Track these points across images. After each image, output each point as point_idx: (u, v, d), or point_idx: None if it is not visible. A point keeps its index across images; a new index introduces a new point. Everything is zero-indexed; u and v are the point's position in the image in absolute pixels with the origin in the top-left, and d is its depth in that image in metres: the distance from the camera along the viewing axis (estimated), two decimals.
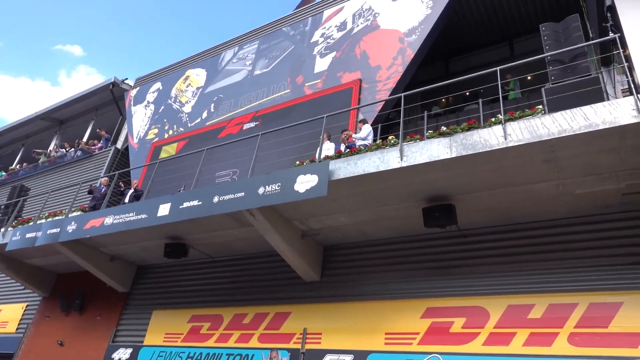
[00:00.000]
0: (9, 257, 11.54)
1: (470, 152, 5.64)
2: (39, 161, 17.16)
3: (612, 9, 6.30)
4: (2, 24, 78.02)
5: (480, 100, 7.31)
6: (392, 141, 6.52)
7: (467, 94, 9.68)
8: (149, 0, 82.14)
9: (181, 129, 13.64)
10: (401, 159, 6.09)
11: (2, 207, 12.73)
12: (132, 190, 11.02)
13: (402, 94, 7.04)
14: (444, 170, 6.01)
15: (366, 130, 7.95)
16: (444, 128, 6.11)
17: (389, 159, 6.21)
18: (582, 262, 6.17)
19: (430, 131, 6.33)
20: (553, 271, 6.29)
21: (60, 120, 19.22)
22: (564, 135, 5.11)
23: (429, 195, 6.61)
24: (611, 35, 5.88)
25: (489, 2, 11.49)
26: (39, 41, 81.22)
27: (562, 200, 6.27)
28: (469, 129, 5.90)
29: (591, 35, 8.49)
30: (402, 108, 6.80)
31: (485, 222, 7.05)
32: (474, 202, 6.59)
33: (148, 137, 14.34)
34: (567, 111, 5.18)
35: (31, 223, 11.04)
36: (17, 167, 18.40)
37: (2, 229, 11.39)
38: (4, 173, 17.99)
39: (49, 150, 17.66)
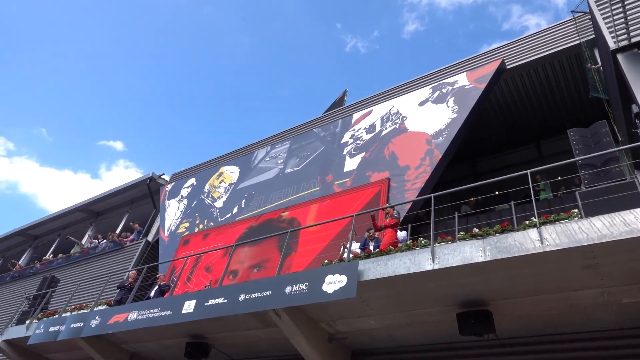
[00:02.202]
0: (29, 351, 11.32)
1: (505, 256, 5.44)
2: (72, 251, 17.53)
3: None
4: (54, 122, 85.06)
5: (512, 203, 7.22)
6: (423, 242, 6.39)
7: (497, 194, 9.64)
8: (188, 100, 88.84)
9: (211, 224, 13.87)
10: (433, 261, 5.90)
11: (31, 298, 12.78)
12: (157, 286, 10.93)
13: (432, 195, 7.04)
14: (478, 274, 5.78)
15: (402, 234, 7.89)
16: (476, 230, 5.98)
17: (420, 261, 6.03)
18: None
19: (462, 233, 6.20)
20: None
21: (97, 212, 19.92)
22: (604, 240, 4.91)
23: (463, 300, 6.29)
24: None
25: (513, 108, 11.91)
26: (85, 137, 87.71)
27: (608, 309, 5.85)
28: (502, 232, 5.75)
29: (620, 140, 8.52)
30: (432, 208, 6.75)
31: (525, 332, 6.59)
32: (512, 309, 6.22)
33: (179, 231, 14.59)
34: (606, 216, 5.03)
35: (56, 316, 10.96)
36: (51, 257, 18.79)
37: (27, 322, 11.32)
38: (38, 264, 18.35)
39: (81, 241, 18.09)
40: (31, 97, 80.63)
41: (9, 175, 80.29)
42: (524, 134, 12.48)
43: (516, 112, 12.00)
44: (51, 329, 10.17)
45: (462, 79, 11.23)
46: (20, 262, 20.84)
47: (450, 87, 11.32)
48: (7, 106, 78.25)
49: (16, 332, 11.39)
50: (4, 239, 22.79)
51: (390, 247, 6.67)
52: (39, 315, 11.44)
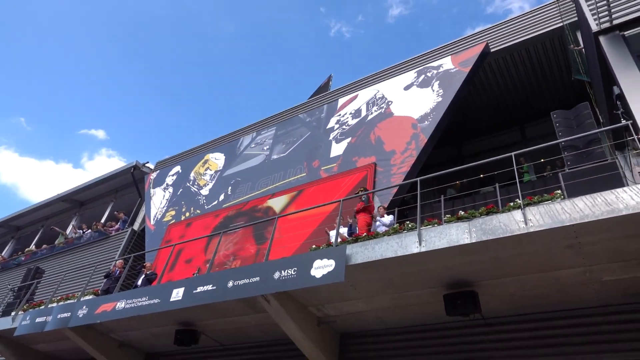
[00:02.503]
0: (16, 342, 11.22)
1: (491, 237, 5.51)
2: (56, 242, 17.31)
3: (622, 97, 6.47)
4: (33, 111, 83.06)
5: (497, 185, 7.31)
6: (409, 225, 6.43)
7: (482, 177, 9.73)
8: (171, 88, 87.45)
9: (198, 211, 13.79)
10: (420, 244, 5.96)
11: (16, 289, 12.62)
12: (144, 274, 10.88)
13: (418, 179, 7.07)
14: (464, 255, 5.85)
15: (389, 218, 7.95)
16: (461, 212, 6.05)
17: (407, 244, 6.08)
18: (613, 355, 5.74)
19: (448, 215, 6.26)
20: None
21: (80, 202, 19.65)
22: (586, 220, 5.00)
23: (450, 282, 6.38)
24: (624, 122, 5.98)
25: (497, 91, 11.98)
26: (66, 126, 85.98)
27: (590, 287, 6.00)
28: (487, 214, 5.82)
29: (602, 121, 8.65)
30: (418, 192, 6.79)
31: (510, 311, 6.72)
32: (497, 289, 6.33)
33: (165, 219, 14.48)
34: (588, 196, 5.12)
35: (42, 307, 10.85)
36: (34, 248, 18.53)
37: (13, 313, 11.19)
38: (22, 256, 18.09)
39: (65, 232, 17.86)
40: (7, 85, 78.53)
41: None
42: (508, 116, 12.60)
43: (500, 95, 12.08)
44: (38, 319, 10.07)
45: (446, 63, 11.24)
46: (3, 254, 20.53)
47: (435, 71, 11.33)
48: None
49: (2, 323, 11.24)
50: None
51: (379, 232, 6.71)
52: (24, 307, 11.33)
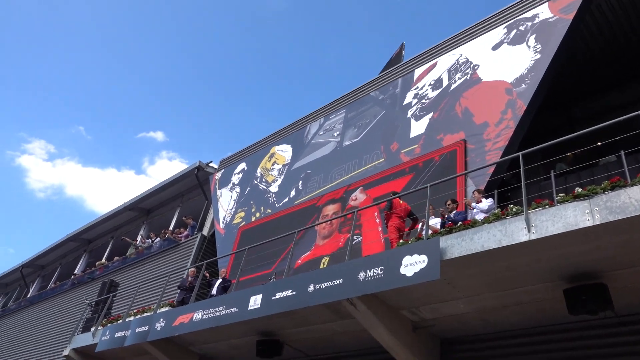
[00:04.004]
0: (97, 358, 12.25)
1: (620, 217, 5.09)
2: (127, 253, 18.67)
3: None
4: (91, 118, 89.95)
5: (622, 152, 6.72)
6: (514, 209, 6.13)
7: (600, 144, 9.02)
8: (225, 79, 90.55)
9: (269, 211, 14.17)
10: (529, 230, 5.66)
11: (93, 304, 13.78)
12: (219, 280, 11.42)
13: (520, 153, 6.70)
14: (586, 241, 5.46)
15: (488, 202, 7.63)
16: (579, 189, 5.64)
17: (512, 231, 5.80)
18: None
19: (561, 194, 5.87)
20: None
21: (147, 210, 21.03)
22: None
23: (570, 274, 6.01)
24: None
25: (611, 39, 11.03)
26: (124, 131, 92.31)
27: None
28: (612, 188, 5.39)
29: None
30: (521, 169, 6.45)
31: None
32: (633, 280, 5.85)
33: (235, 222, 15.06)
34: None
35: (120, 321, 11.75)
36: (106, 261, 20.11)
37: (93, 329, 12.23)
38: (97, 270, 19.72)
39: (135, 241, 19.18)
40: (64, 95, 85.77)
41: (53, 180, 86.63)
42: (627, 69, 11.57)
43: (615, 43, 11.11)
44: (117, 334, 10.93)
45: (543, 11, 10.54)
46: (77, 268, 22.54)
47: (529, 23, 10.69)
48: (42, 107, 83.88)
49: (83, 340, 12.36)
50: (59, 246, 24.69)
51: (477, 219, 6.47)
52: (103, 322, 12.33)
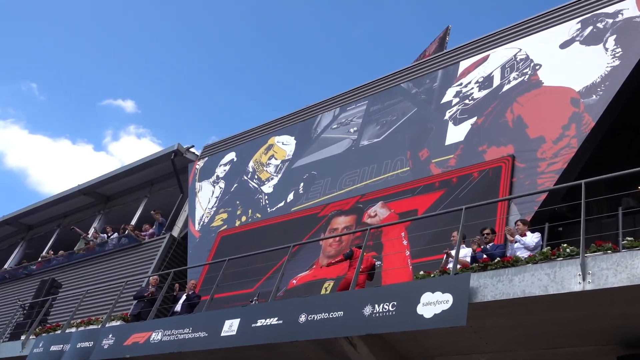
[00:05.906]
0: None
1: None
2: (75, 248, 18.67)
3: None
4: (47, 75, 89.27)
5: None
6: (567, 250, 6.18)
7: None
8: (221, 49, 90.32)
9: (258, 215, 14.23)
10: (584, 279, 5.70)
11: (27, 306, 13.82)
12: (185, 295, 11.42)
13: (583, 181, 6.75)
14: None
15: (535, 238, 7.64)
16: None
17: (563, 277, 5.85)
18: None
19: (628, 238, 5.92)
20: None
21: (106, 197, 21.11)
22: None
23: (628, 337, 6.08)
24: None
25: None
26: (85, 94, 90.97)
27: None
28: None
29: None
30: (582, 201, 6.48)
31: None
32: None
33: (214, 224, 15.13)
34: None
35: (59, 331, 11.80)
36: (50, 253, 20.07)
37: (23, 337, 12.28)
38: (34, 266, 19.77)
39: (87, 234, 19.06)
40: (16, 41, 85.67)
41: None
42: None
43: None
44: (53, 347, 10.98)
45: (629, 8, 10.60)
46: (11, 258, 22.59)
47: (609, 20, 10.75)
48: None
49: (10, 349, 12.43)
50: None
51: (519, 256, 6.51)
52: (37, 330, 12.38)
